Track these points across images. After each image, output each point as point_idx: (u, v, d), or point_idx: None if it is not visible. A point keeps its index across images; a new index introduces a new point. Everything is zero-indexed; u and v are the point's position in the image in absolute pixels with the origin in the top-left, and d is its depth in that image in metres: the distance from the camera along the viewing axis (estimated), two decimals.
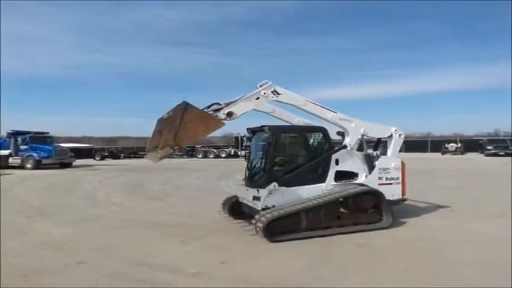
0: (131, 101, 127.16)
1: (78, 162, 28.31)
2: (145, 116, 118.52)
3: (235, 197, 7.64)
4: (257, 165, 7.10)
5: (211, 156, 37.60)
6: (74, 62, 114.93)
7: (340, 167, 6.93)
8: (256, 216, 6.07)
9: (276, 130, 6.73)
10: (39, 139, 25.27)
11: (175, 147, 5.61)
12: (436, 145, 39.54)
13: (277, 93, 6.39)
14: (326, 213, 6.24)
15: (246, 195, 6.96)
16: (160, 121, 7.04)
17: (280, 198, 6.35)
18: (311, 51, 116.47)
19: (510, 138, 35.30)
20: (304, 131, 7.21)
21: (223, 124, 6.08)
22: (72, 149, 29.93)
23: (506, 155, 29.65)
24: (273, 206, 6.25)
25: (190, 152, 41.11)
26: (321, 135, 6.93)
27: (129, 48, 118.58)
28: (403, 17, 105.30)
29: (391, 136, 7.56)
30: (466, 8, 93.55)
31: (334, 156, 6.90)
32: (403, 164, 7.40)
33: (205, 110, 6.22)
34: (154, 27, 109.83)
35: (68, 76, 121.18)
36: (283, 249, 5.59)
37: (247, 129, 7.59)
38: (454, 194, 10.58)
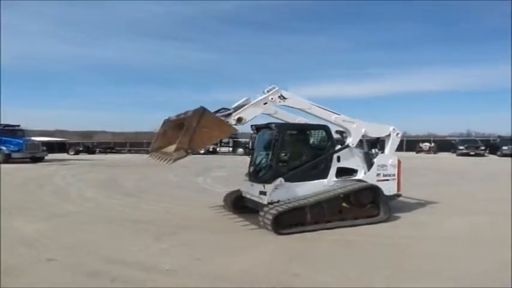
0: (110, 95, 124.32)
1: (50, 156, 27.49)
2: (123, 110, 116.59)
3: (238, 191, 7.80)
4: (263, 161, 7.34)
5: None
6: (50, 54, 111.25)
7: (342, 164, 7.22)
8: (264, 210, 6.26)
9: (282, 127, 6.95)
10: (9, 132, 24.30)
11: (189, 151, 5.71)
12: (411, 144, 40.49)
13: (284, 98, 6.65)
14: (329, 208, 6.53)
15: (251, 189, 7.10)
16: (166, 122, 7.24)
17: (285, 193, 6.60)
18: (298, 50, 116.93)
19: (481, 138, 36.66)
20: (308, 128, 7.47)
21: (237, 130, 6.40)
22: (45, 143, 29.03)
23: (476, 155, 30.79)
24: (278, 201, 6.47)
25: None
26: (324, 133, 7.22)
27: (108, 41, 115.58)
28: (381, 18, 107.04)
29: (389, 135, 7.91)
30: (447, 10, 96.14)
31: (336, 154, 7.18)
32: (399, 161, 7.79)
33: (216, 115, 6.32)
34: (137, 20, 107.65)
35: (42, 68, 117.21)
36: (261, 245, 5.57)
37: (252, 126, 7.66)
38: (432, 191, 10.79)
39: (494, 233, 6.29)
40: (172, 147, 6.45)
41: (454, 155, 32.71)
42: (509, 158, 26.22)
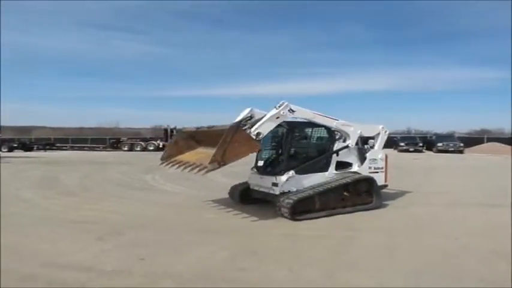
0: (52, 88, 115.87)
1: None
2: (67, 105, 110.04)
3: (244, 184, 8.39)
4: (273, 156, 8.13)
5: (138, 148, 35.87)
6: None
7: (340, 158, 8.14)
8: (280, 199, 6.92)
9: (293, 125, 7.63)
10: None
11: (222, 163, 6.17)
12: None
13: (293, 111, 7.29)
14: (334, 196, 7.36)
15: (260, 181, 7.77)
16: (180, 133, 7.85)
17: (294, 184, 7.31)
18: (248, 46, 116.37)
19: (419, 136, 39.29)
20: (313, 126, 8.09)
21: (261, 146, 7.14)
22: None
23: (415, 151, 33.00)
24: (288, 191, 7.15)
25: (115, 144, 38.93)
26: (326, 131, 8.10)
27: (49, 30, 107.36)
28: (332, 20, 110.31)
29: (379, 133, 9.12)
30: (390, 15, 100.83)
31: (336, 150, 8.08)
32: (386, 156, 8.90)
33: None
34: (81, 10, 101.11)
35: None
36: (208, 242, 5.52)
37: None
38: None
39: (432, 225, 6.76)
40: (183, 157, 7.42)
41: (395, 151, 34.72)
42: (444, 154, 28.31)
